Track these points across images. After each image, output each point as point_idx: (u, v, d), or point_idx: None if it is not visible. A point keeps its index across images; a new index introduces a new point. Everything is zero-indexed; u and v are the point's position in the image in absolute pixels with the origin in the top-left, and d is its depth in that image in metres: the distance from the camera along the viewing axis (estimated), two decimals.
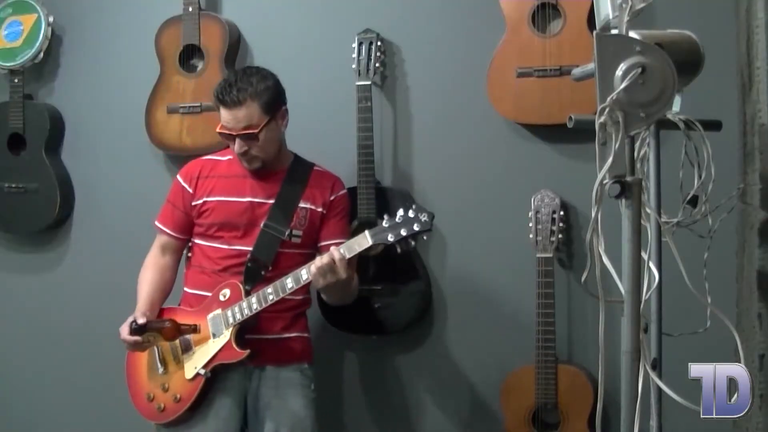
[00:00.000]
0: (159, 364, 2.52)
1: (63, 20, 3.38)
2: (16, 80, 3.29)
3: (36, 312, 3.48)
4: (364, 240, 2.33)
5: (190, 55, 3.11)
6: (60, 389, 3.42)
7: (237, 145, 2.48)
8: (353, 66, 2.88)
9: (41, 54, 3.29)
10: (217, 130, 2.50)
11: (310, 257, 2.45)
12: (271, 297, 2.40)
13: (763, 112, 1.96)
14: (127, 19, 3.31)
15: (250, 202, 2.55)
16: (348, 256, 2.33)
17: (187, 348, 2.49)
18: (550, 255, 2.66)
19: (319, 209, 2.60)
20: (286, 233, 2.51)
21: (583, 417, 2.64)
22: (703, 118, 1.66)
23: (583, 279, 1.48)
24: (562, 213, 2.70)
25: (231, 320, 2.43)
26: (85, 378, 3.36)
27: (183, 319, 2.49)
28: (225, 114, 2.47)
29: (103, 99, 3.35)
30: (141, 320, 2.41)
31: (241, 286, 2.46)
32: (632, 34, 1.42)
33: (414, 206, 2.32)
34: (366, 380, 3.11)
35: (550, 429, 2.72)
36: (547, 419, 2.72)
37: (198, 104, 3.05)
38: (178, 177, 2.65)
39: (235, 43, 3.12)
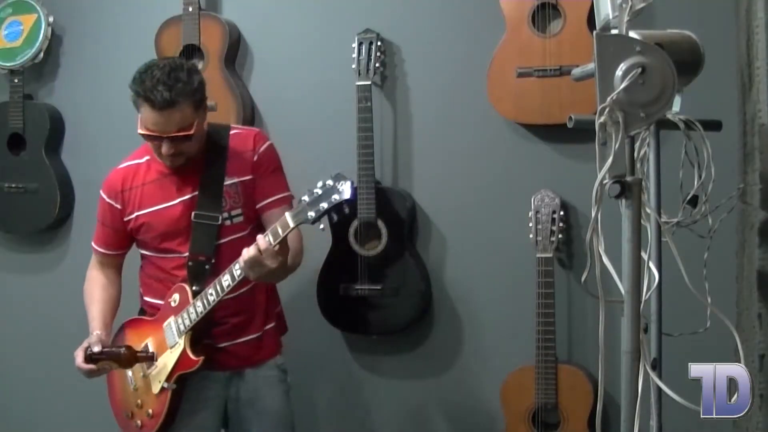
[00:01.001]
0: (130, 381, 2.43)
1: (63, 20, 3.38)
2: (16, 80, 3.29)
3: (35, 312, 3.48)
4: (286, 224, 2.10)
5: (189, 55, 3.11)
6: (59, 389, 3.42)
7: (165, 148, 2.26)
8: (353, 66, 2.88)
9: (41, 54, 3.29)
10: (140, 131, 2.28)
11: (262, 229, 2.31)
12: (212, 297, 2.25)
13: (763, 112, 1.95)
14: (127, 19, 3.31)
15: (181, 202, 2.38)
16: (273, 242, 2.11)
17: (151, 362, 2.38)
18: (550, 255, 2.66)
19: (248, 177, 2.40)
20: (221, 218, 2.34)
21: (583, 417, 2.64)
22: (703, 118, 1.66)
23: (583, 279, 1.48)
24: (562, 213, 2.70)
25: (182, 327, 2.31)
26: (84, 378, 3.35)
27: (143, 330, 2.42)
28: (152, 115, 2.21)
29: (103, 99, 3.34)
30: (96, 348, 2.28)
31: (188, 288, 2.32)
32: (632, 34, 1.42)
33: (334, 175, 2.10)
34: (366, 380, 3.10)
35: (550, 429, 2.72)
36: (547, 419, 2.72)
37: None
38: (102, 194, 2.49)
39: (234, 43, 3.12)
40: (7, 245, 3.52)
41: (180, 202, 2.39)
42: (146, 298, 2.51)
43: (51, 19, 3.31)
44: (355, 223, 2.86)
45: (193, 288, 2.32)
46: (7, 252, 3.53)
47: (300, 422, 3.13)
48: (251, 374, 2.48)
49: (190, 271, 2.34)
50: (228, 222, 2.37)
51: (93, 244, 2.57)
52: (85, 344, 2.33)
